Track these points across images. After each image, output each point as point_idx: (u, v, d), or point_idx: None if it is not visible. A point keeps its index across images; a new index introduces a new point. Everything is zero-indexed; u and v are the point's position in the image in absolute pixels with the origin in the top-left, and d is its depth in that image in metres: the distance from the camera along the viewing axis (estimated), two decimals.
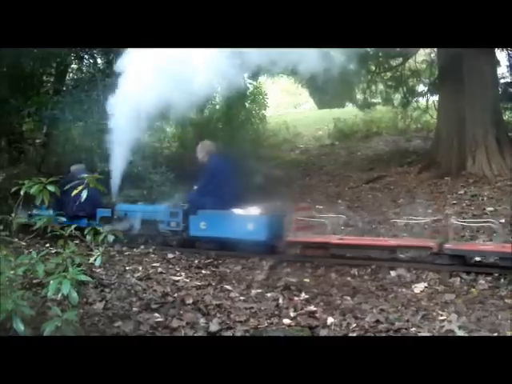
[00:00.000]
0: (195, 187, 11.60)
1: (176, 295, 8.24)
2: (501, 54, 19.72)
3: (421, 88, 24.62)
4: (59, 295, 5.08)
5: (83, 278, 5.16)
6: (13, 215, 6.17)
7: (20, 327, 4.65)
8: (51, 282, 4.98)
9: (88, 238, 6.24)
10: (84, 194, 5.65)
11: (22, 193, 5.67)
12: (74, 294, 4.92)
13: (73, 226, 6.27)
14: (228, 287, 9.02)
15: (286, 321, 7.11)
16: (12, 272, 5.35)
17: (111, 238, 6.14)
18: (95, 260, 5.96)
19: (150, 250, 11.91)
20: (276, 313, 7.47)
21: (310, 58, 9.66)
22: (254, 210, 10.47)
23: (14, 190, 5.78)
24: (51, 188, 5.34)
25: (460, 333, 6.38)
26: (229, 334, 6.61)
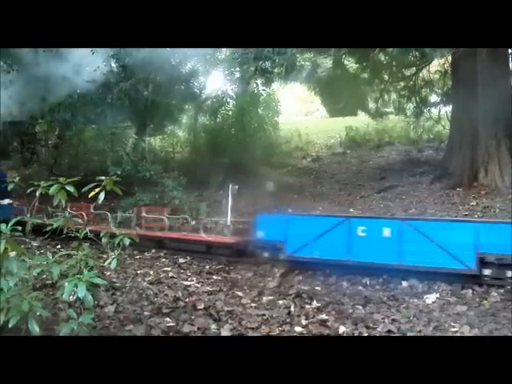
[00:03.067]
0: None
1: (187, 300, 8.25)
2: None
3: (434, 98, 24.56)
4: (74, 297, 5.08)
5: (99, 281, 5.16)
6: (28, 215, 6.18)
7: (35, 329, 4.65)
8: (66, 284, 4.98)
9: (104, 240, 6.24)
10: None
11: (37, 193, 5.67)
12: (89, 297, 4.92)
13: (88, 228, 6.28)
14: (239, 293, 9.02)
15: (298, 329, 7.09)
16: (24, 273, 5.35)
17: (127, 241, 6.15)
18: (110, 263, 5.96)
19: (161, 254, 11.95)
20: (288, 320, 7.46)
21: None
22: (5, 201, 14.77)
23: (29, 190, 5.78)
24: (70, 188, 5.34)
25: None
26: None
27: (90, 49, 16.76)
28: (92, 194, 5.72)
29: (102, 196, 5.70)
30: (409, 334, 6.77)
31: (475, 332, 6.83)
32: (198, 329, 6.86)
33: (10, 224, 5.09)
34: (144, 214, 14.30)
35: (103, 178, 5.75)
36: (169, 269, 10.64)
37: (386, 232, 10.26)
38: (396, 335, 6.68)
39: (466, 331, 6.86)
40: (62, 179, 5.40)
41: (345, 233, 10.57)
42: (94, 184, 5.69)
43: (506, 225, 9.60)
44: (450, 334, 6.81)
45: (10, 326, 4.56)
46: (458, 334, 6.74)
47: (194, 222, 14.49)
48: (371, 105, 25.96)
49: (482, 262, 9.40)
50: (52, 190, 5.33)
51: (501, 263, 9.23)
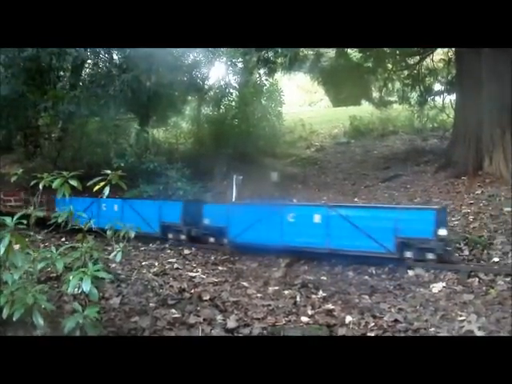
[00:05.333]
0: None
1: (193, 291, 8.23)
2: None
3: (437, 87, 24.48)
4: (79, 291, 5.06)
5: (103, 274, 5.14)
6: (31, 208, 6.15)
7: (40, 322, 4.64)
8: (71, 277, 4.96)
9: (108, 233, 6.22)
10: None
11: (40, 186, 5.65)
12: (95, 291, 4.90)
13: (92, 221, 6.26)
14: (245, 284, 9.00)
15: (304, 319, 7.07)
16: (30, 266, 5.33)
17: (132, 233, 6.13)
18: (115, 256, 5.95)
19: (166, 246, 11.94)
20: (294, 310, 7.44)
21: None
22: None
23: (32, 183, 5.76)
24: (73, 182, 5.31)
25: (480, 334, 6.31)
26: (246, 331, 6.58)
27: None
28: (97, 187, 5.70)
29: (106, 190, 5.69)
30: (415, 324, 6.74)
31: (482, 321, 6.79)
32: (204, 320, 6.83)
33: (15, 218, 5.07)
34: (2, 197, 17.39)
35: (108, 171, 5.72)
36: (174, 260, 10.63)
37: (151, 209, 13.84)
38: (400, 335, 6.62)
39: (473, 320, 6.82)
40: (65, 173, 5.38)
41: (120, 210, 14.07)
42: (99, 178, 5.67)
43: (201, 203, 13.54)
44: (457, 323, 6.77)
45: (14, 319, 4.55)
46: (466, 324, 6.70)
47: None
48: (375, 94, 25.93)
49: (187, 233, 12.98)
50: (55, 184, 5.31)
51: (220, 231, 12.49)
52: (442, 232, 9.66)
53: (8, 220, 4.97)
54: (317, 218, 10.77)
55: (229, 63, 24.35)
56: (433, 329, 6.61)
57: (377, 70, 23.35)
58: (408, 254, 9.77)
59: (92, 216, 13.02)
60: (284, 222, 11.17)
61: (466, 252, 10.27)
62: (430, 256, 9.58)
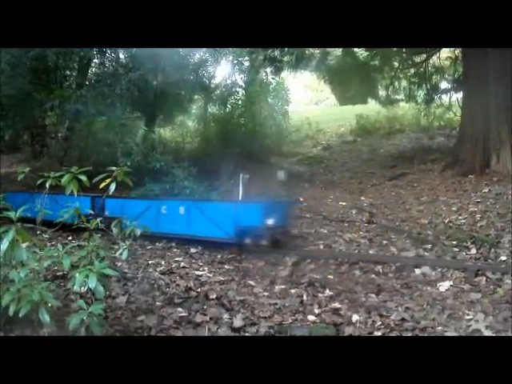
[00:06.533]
0: None
1: (199, 290, 8.21)
2: None
3: (444, 85, 24.44)
4: (85, 288, 5.05)
5: (109, 272, 5.13)
6: (38, 206, 6.16)
7: (46, 318, 4.64)
8: (77, 275, 4.95)
9: (114, 231, 6.22)
10: None
11: (47, 185, 5.64)
12: (100, 288, 4.90)
13: (98, 219, 6.25)
14: (251, 283, 8.98)
15: (311, 317, 7.05)
16: (36, 264, 5.33)
17: (138, 231, 6.12)
18: (121, 253, 5.94)
19: (173, 245, 11.93)
20: (300, 309, 7.42)
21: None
22: None
23: (39, 182, 5.75)
24: (82, 177, 5.31)
25: (487, 333, 6.29)
26: (253, 329, 6.56)
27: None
28: (103, 184, 5.69)
29: (112, 187, 5.68)
30: (423, 323, 6.72)
31: (490, 320, 6.76)
32: (211, 319, 6.82)
33: (19, 211, 5.07)
34: None
35: (114, 168, 5.72)
36: (180, 259, 10.59)
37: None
38: (407, 334, 6.60)
39: (481, 319, 6.79)
40: (73, 168, 5.37)
41: (49, 204, 13.63)
42: (105, 175, 5.67)
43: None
44: (464, 322, 6.75)
45: (20, 315, 4.54)
46: (473, 323, 6.68)
47: None
48: (381, 92, 25.93)
49: None
50: (64, 181, 5.30)
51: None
52: (270, 222, 11.33)
53: (12, 214, 4.97)
54: (181, 210, 12.93)
55: (235, 62, 24.34)
56: (440, 328, 6.58)
57: (383, 69, 23.36)
58: (247, 240, 11.56)
59: (30, 209, 13.94)
60: (159, 214, 13.24)
61: (474, 250, 10.24)
62: (264, 242, 11.35)
